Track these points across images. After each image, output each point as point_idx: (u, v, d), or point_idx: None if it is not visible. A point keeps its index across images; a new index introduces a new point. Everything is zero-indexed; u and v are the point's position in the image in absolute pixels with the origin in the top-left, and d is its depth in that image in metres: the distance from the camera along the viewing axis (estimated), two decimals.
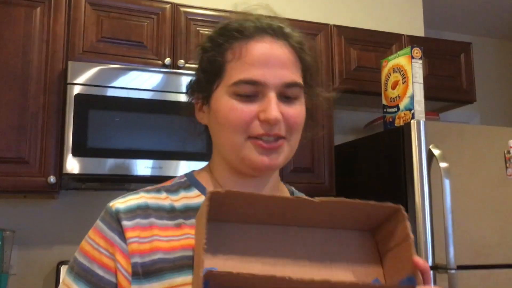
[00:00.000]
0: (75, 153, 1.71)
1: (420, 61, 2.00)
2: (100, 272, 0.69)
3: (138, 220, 0.71)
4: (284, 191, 0.85)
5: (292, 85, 0.73)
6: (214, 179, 0.79)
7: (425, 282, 0.62)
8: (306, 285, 0.59)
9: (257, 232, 0.66)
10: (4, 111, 1.74)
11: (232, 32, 0.74)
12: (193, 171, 0.82)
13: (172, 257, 0.69)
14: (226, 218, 0.66)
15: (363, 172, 2.17)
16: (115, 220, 0.71)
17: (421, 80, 1.99)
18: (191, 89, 0.81)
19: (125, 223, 0.70)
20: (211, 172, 0.80)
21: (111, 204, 0.73)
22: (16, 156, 1.73)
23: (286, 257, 0.66)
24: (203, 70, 0.77)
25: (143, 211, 0.72)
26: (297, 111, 0.74)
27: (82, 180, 1.83)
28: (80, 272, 0.70)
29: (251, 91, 0.71)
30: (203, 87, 0.77)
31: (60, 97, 1.81)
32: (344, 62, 2.31)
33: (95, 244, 0.71)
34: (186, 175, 0.81)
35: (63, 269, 1.85)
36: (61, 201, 2.08)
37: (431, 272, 1.74)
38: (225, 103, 0.72)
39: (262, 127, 0.71)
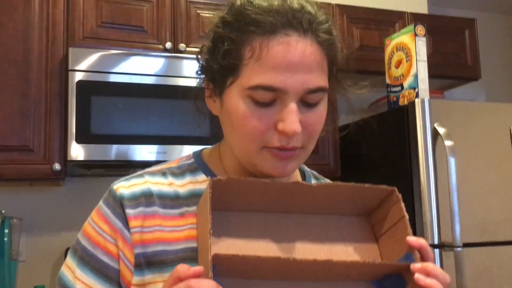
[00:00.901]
0: (78, 140, 1.71)
1: (424, 39, 1.97)
2: (104, 258, 0.68)
3: (141, 209, 0.68)
4: (295, 174, 0.81)
5: (316, 90, 0.65)
6: (222, 168, 0.75)
7: (423, 258, 0.61)
8: (310, 265, 0.60)
9: (259, 219, 0.66)
10: (7, 99, 1.74)
11: (250, 27, 0.64)
12: (201, 150, 0.78)
13: (175, 248, 0.67)
14: (228, 207, 0.65)
15: (368, 152, 2.16)
16: (119, 206, 0.69)
17: (425, 58, 1.96)
18: (201, 72, 0.74)
19: (129, 211, 0.68)
20: (220, 159, 0.75)
21: (115, 187, 0.71)
22: (20, 144, 1.74)
23: (288, 241, 0.66)
24: (217, 61, 0.67)
25: (146, 198, 0.69)
26: (318, 116, 0.67)
27: (86, 166, 1.84)
28: (84, 257, 0.69)
29: (269, 98, 0.63)
30: (215, 78, 0.69)
31: (62, 84, 1.80)
32: (346, 41, 2.28)
33: (99, 229, 0.70)
34: (194, 155, 0.76)
35: None
36: (67, 188, 2.09)
37: (436, 250, 1.74)
38: (239, 107, 0.65)
39: (279, 139, 0.64)
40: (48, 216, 2.05)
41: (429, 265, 0.60)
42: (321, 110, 0.68)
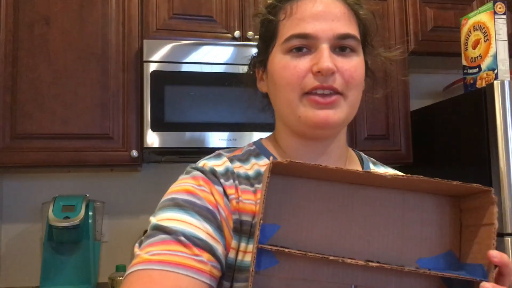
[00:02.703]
0: (154, 128, 1.79)
1: (504, 17, 1.85)
2: (209, 206, 0.66)
3: (231, 181, 0.71)
4: (353, 159, 0.83)
5: (345, 36, 0.71)
6: (278, 146, 0.79)
7: (504, 275, 0.57)
8: (360, 270, 0.56)
9: (327, 189, 0.62)
10: (89, 91, 1.85)
11: None
12: (260, 139, 0.82)
13: (253, 221, 0.69)
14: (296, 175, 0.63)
15: (442, 137, 2.08)
16: (213, 175, 0.70)
17: (505, 37, 1.85)
18: (253, 61, 0.82)
19: (223, 181, 0.70)
20: (275, 140, 0.80)
21: (201, 164, 0.72)
22: (102, 132, 1.85)
23: (354, 219, 0.61)
24: (260, 36, 0.78)
25: (231, 173, 0.72)
26: (353, 64, 0.71)
27: (161, 153, 1.92)
28: (189, 206, 0.65)
29: (303, 45, 0.70)
30: (261, 53, 0.78)
31: (137, 75, 1.89)
32: (420, 22, 2.20)
33: (198, 186, 0.68)
34: (254, 143, 0.81)
35: None
36: (144, 173, 2.20)
37: None
38: (278, 62, 0.72)
39: (316, 79, 0.69)
40: (127, 199, 2.18)
41: None
42: (357, 60, 0.72)
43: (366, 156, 0.87)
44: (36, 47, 1.83)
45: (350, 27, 0.72)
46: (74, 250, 1.90)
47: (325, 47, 0.69)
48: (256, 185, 0.72)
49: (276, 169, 0.59)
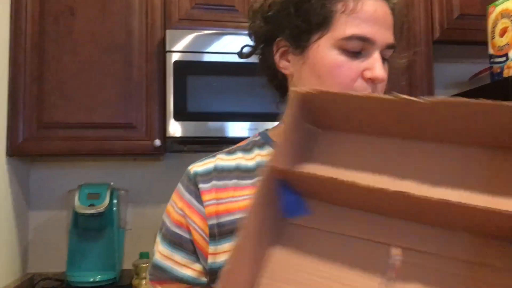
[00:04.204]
0: (176, 118, 1.81)
1: None
2: (177, 231, 0.74)
3: (214, 182, 0.73)
4: None
5: (392, 46, 0.72)
6: None
7: None
8: (406, 199, 0.45)
9: (369, 145, 0.54)
10: (113, 81, 1.88)
11: None
12: (267, 129, 0.83)
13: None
14: (327, 124, 0.56)
15: None
16: (193, 183, 0.74)
17: None
18: (272, 33, 0.76)
19: (202, 185, 0.73)
20: None
21: (190, 167, 0.77)
22: (125, 122, 1.88)
23: (403, 177, 0.51)
24: (304, 17, 0.71)
25: (218, 173, 0.74)
26: (387, 73, 0.73)
27: (184, 142, 1.94)
28: (165, 233, 0.75)
29: (359, 48, 0.69)
30: (298, 35, 0.72)
31: (160, 65, 1.91)
32: (445, 10, 2.15)
33: (175, 206, 0.76)
34: (260, 133, 0.82)
35: None
36: (166, 163, 2.23)
37: None
38: (331, 57, 0.70)
39: (366, 87, 0.70)
40: (150, 188, 2.21)
41: None
42: (388, 68, 0.74)
43: None
44: (61, 38, 1.86)
45: (393, 37, 0.73)
46: (99, 237, 1.94)
47: (378, 55, 0.70)
48: (256, 178, 0.73)
49: (301, 107, 0.51)
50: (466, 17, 2.15)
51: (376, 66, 0.69)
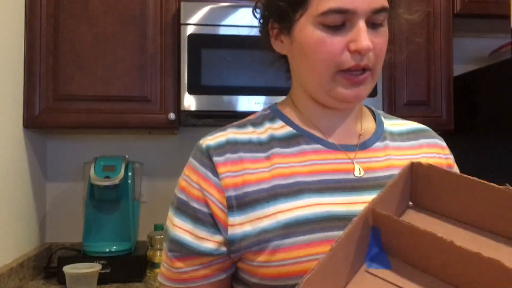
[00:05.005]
0: (190, 91, 1.81)
1: None
2: (195, 204, 0.73)
3: (228, 155, 0.74)
4: (366, 116, 0.83)
5: (380, 10, 0.68)
6: (297, 110, 0.80)
7: None
8: (498, 269, 0.43)
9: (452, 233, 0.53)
10: (128, 53, 1.87)
11: None
12: (275, 103, 0.83)
13: (265, 187, 0.71)
14: (425, 204, 0.58)
15: (486, 104, 2.01)
16: (206, 157, 0.74)
17: None
18: (266, 16, 0.78)
19: (216, 158, 0.73)
20: (293, 103, 0.81)
21: (201, 141, 0.77)
22: (140, 95, 1.88)
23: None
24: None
25: (232, 146, 0.75)
26: (383, 39, 0.71)
27: (198, 116, 1.94)
28: (180, 206, 0.75)
29: (340, 21, 0.68)
30: (283, 16, 0.73)
31: (175, 38, 1.89)
32: None
33: (189, 180, 0.75)
34: (269, 107, 0.82)
35: None
36: (181, 136, 2.23)
37: None
38: (311, 35, 0.69)
39: (353, 58, 0.68)
40: (165, 161, 2.22)
41: None
42: (385, 31, 0.72)
43: (379, 111, 0.88)
44: (76, 10, 1.85)
45: None
46: (115, 209, 1.97)
47: (362, 24, 0.67)
48: (271, 150, 0.74)
49: (414, 173, 0.54)
50: None
51: (359, 37, 0.67)
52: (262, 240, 0.69)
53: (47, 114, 1.83)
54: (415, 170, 0.56)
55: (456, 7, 2.07)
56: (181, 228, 0.74)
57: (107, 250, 1.85)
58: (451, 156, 0.85)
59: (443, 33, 2.05)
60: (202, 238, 0.72)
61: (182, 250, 0.73)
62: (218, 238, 0.72)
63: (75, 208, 2.15)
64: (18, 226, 1.81)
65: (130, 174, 1.98)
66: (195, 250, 0.72)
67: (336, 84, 0.71)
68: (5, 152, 1.70)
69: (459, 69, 2.21)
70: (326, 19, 0.68)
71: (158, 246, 1.90)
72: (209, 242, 0.72)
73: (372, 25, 0.69)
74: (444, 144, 0.86)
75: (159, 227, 1.95)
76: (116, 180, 1.85)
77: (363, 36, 0.67)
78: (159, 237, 1.91)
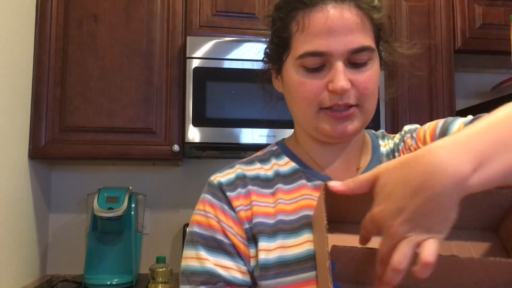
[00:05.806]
0: (195, 123, 1.82)
1: None
2: (218, 236, 0.73)
3: (239, 190, 0.75)
4: (366, 147, 0.82)
5: (359, 50, 0.69)
6: (300, 146, 0.82)
7: None
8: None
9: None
10: (133, 85, 1.90)
11: (295, 3, 0.72)
12: (283, 139, 0.86)
13: (270, 222, 0.72)
14: (342, 218, 0.63)
15: None
16: (220, 191, 0.75)
17: None
18: (266, 57, 0.83)
19: (229, 193, 0.75)
20: (296, 139, 0.83)
21: (212, 178, 0.78)
22: (145, 127, 1.90)
23: None
24: (273, 42, 0.78)
25: (241, 180, 0.77)
26: (368, 76, 0.71)
27: (202, 148, 1.95)
28: (201, 241, 0.73)
29: (318, 63, 0.70)
30: (274, 59, 0.79)
31: (180, 71, 1.93)
32: (468, 20, 2.13)
33: (205, 213, 0.75)
34: (277, 143, 0.85)
35: None
36: (185, 168, 2.24)
37: None
38: (293, 77, 0.73)
39: (331, 98, 0.70)
40: (168, 193, 2.22)
41: None
42: (371, 69, 0.72)
43: (380, 131, 0.87)
44: (84, 43, 1.89)
45: (364, 38, 0.70)
46: (117, 240, 1.96)
47: (339, 65, 0.69)
48: (277, 186, 0.76)
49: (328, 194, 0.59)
50: (489, 27, 2.13)
51: (335, 78, 0.68)
52: (260, 276, 0.70)
53: (53, 145, 1.85)
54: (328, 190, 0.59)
55: (457, 43, 2.10)
56: (209, 261, 0.72)
57: (108, 283, 1.83)
58: (409, 134, 0.81)
59: (445, 67, 2.08)
60: (230, 268, 0.72)
61: (213, 280, 0.72)
62: (243, 268, 0.72)
63: (77, 239, 2.14)
64: (19, 258, 1.80)
65: (133, 205, 1.97)
66: (225, 280, 0.71)
67: (321, 120, 0.73)
68: (10, 182, 1.71)
69: (461, 104, 2.23)
70: (305, 61, 0.71)
71: (160, 279, 1.88)
72: (237, 272, 0.72)
73: (354, 64, 0.70)
74: (406, 128, 0.83)
75: (161, 260, 1.94)
76: (119, 211, 1.85)
77: (338, 77, 0.68)
78: (161, 270, 1.89)
